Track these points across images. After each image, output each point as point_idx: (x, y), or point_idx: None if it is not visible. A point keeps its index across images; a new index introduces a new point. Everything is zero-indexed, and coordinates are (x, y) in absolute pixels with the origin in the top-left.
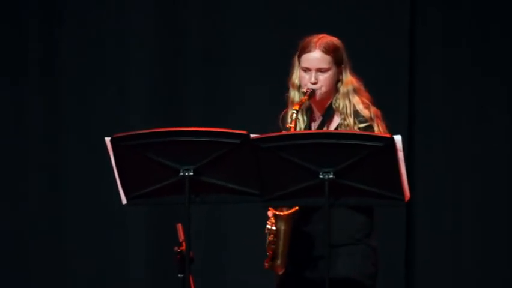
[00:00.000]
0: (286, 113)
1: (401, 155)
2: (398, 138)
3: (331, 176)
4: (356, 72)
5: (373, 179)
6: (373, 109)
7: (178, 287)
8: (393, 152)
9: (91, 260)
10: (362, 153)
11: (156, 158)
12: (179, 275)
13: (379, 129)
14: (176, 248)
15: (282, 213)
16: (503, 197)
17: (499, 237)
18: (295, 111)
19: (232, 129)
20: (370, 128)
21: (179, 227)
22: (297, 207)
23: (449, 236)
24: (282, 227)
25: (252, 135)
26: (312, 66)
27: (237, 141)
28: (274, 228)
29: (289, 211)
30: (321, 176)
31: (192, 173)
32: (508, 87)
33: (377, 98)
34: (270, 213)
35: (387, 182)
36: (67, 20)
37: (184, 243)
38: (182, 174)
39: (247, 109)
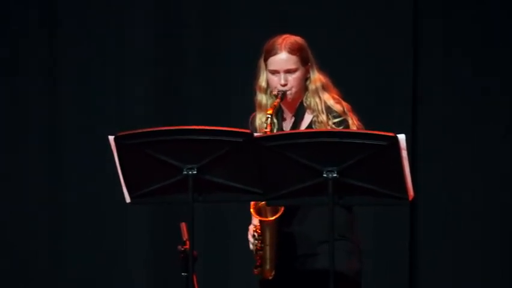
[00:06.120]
0: (255, 116)
1: (404, 153)
2: (401, 137)
3: (334, 175)
4: (359, 73)
5: (377, 178)
6: (344, 103)
7: (181, 286)
8: (397, 151)
9: (93, 258)
10: (366, 152)
11: (160, 157)
12: (182, 274)
13: (353, 122)
14: (180, 246)
15: (267, 219)
16: (506, 197)
17: (501, 236)
18: (269, 116)
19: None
20: (344, 121)
21: (183, 225)
22: (280, 212)
23: (452, 235)
24: (268, 232)
25: (255, 134)
26: (280, 68)
27: (240, 139)
28: (260, 235)
29: (275, 216)
30: (324, 175)
31: (195, 172)
32: (510, 86)
33: (381, 98)
34: (255, 220)
35: (391, 181)
36: (65, 20)
37: (187, 242)
38: (185, 172)
39: (247, 110)
